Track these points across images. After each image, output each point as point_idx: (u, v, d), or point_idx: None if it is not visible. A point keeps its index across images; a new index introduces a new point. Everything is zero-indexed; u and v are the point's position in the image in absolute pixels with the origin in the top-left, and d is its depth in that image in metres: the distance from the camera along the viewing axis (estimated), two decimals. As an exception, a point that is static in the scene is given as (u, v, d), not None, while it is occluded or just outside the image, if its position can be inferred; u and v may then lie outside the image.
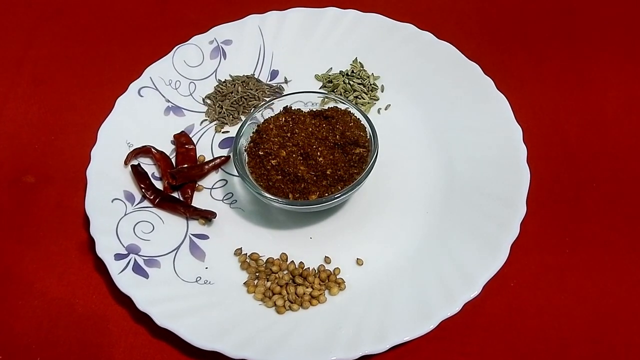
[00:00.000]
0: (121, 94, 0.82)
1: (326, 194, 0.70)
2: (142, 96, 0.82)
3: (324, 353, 0.63)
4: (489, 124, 0.77)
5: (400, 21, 0.87)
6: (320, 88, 0.86)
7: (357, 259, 0.71)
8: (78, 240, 0.75)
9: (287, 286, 0.69)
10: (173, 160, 0.79)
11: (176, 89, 0.84)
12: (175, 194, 0.77)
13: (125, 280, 0.67)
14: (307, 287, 0.69)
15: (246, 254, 0.72)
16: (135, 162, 0.78)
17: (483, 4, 0.95)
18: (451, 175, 0.76)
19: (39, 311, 0.70)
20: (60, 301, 0.70)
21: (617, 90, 0.85)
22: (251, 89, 0.85)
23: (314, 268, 0.71)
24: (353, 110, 0.75)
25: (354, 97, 0.84)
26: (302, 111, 0.76)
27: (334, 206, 0.73)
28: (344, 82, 0.84)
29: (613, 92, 0.85)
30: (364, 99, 0.83)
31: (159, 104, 0.83)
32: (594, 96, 0.84)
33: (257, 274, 0.71)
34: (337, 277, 0.70)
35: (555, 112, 0.83)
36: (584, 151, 0.79)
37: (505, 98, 0.78)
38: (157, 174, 0.79)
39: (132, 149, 0.78)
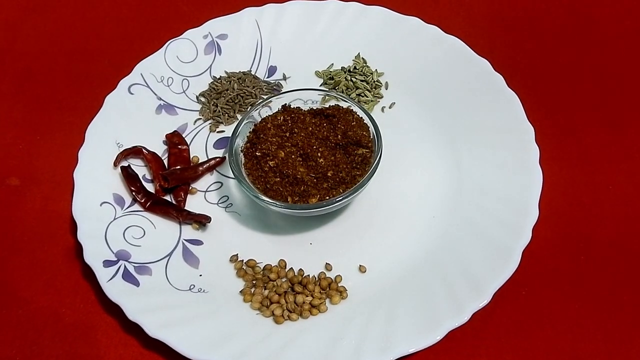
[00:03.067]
0: (110, 92, 0.82)
1: (327, 197, 0.70)
2: (132, 94, 0.83)
3: (324, 365, 0.63)
4: (499, 123, 0.77)
5: (406, 14, 0.87)
6: (320, 85, 0.86)
7: (360, 265, 0.72)
8: (65, 246, 0.75)
9: (286, 295, 0.69)
10: (165, 162, 0.80)
11: (168, 86, 0.85)
12: (168, 197, 0.77)
13: (114, 288, 0.68)
14: (307, 296, 0.69)
15: (242, 260, 0.73)
16: (125, 164, 0.78)
17: (493, -4, 0.95)
18: (459, 178, 0.76)
19: (24, 321, 0.70)
20: (45, 310, 0.71)
21: (636, 87, 0.85)
22: (248, 86, 0.85)
23: (314, 275, 0.71)
24: (355, 108, 0.75)
25: (357, 94, 0.84)
26: (301, 110, 0.76)
27: (336, 210, 0.74)
28: (346, 79, 0.85)
29: (632, 88, 0.85)
30: (367, 97, 0.84)
31: (150, 102, 0.83)
32: (611, 93, 0.85)
33: (254, 282, 0.71)
34: (339, 285, 0.70)
35: (569, 110, 0.83)
36: (599, 152, 0.79)
37: (516, 96, 0.78)
38: (148, 176, 0.79)
39: (121, 149, 0.79)
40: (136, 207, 0.75)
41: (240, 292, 0.70)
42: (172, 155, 0.80)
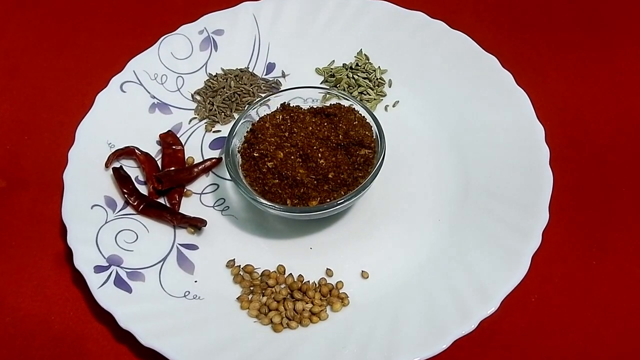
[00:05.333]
0: (101, 90, 0.82)
1: (328, 200, 0.71)
2: (124, 92, 0.83)
3: (325, 375, 0.63)
4: (507, 122, 0.78)
5: (410, 9, 0.87)
6: (321, 83, 0.87)
7: (362, 271, 0.72)
8: (54, 250, 0.75)
9: (285, 301, 0.69)
10: (159, 163, 0.80)
11: (162, 83, 0.85)
12: (161, 200, 0.77)
13: (106, 295, 0.68)
14: (307, 303, 0.69)
15: (239, 266, 0.73)
16: (117, 165, 0.78)
17: (501, -11, 0.96)
18: (466, 179, 0.76)
19: (11, 329, 0.70)
20: (34, 318, 0.71)
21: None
22: (245, 84, 0.85)
23: (314, 282, 0.72)
24: (357, 107, 0.75)
25: (359, 92, 0.84)
26: (301, 108, 0.76)
27: (337, 213, 0.74)
28: (348, 77, 0.85)
29: (645, 87, 0.85)
30: (370, 95, 0.84)
31: (144, 100, 0.84)
32: (624, 91, 0.85)
33: (251, 288, 0.71)
34: (340, 291, 0.70)
35: (580, 109, 0.83)
36: (612, 152, 0.80)
37: (525, 94, 0.79)
38: (141, 178, 0.79)
39: (113, 150, 0.79)
40: (128, 210, 0.76)
41: (237, 298, 0.70)
42: (166, 156, 0.80)
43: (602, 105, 0.84)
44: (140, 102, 0.83)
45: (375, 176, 0.71)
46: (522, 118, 0.77)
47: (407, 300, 0.68)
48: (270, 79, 0.87)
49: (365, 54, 0.87)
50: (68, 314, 0.71)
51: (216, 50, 0.88)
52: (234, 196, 0.78)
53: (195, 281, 0.71)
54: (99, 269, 0.70)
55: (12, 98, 0.88)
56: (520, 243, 0.69)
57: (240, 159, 0.75)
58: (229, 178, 0.76)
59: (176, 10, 0.95)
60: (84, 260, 0.70)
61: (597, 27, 0.91)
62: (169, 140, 0.81)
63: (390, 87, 0.85)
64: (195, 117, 0.84)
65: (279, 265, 0.72)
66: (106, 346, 0.69)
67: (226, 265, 0.73)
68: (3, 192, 0.80)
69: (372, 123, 0.74)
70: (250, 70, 0.87)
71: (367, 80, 0.85)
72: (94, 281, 0.69)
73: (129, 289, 0.69)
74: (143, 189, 0.78)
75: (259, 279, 0.72)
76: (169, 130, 0.82)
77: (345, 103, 0.76)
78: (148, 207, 0.75)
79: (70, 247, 0.71)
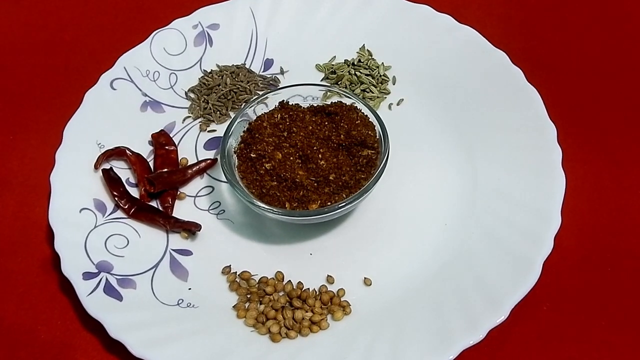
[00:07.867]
0: (91, 87, 0.82)
1: (329, 203, 0.71)
2: (115, 89, 0.83)
3: (326, 387, 0.63)
4: (517, 121, 0.78)
5: (415, 2, 0.87)
6: (321, 80, 0.87)
7: (365, 278, 0.72)
8: (40, 256, 0.75)
9: (284, 310, 0.69)
10: (151, 164, 0.80)
11: (154, 80, 0.85)
12: (154, 203, 0.78)
13: (95, 303, 0.68)
14: (307, 311, 0.69)
15: (236, 272, 0.73)
16: (107, 166, 0.79)
17: (511, -18, 0.96)
18: (474, 181, 0.76)
19: (-5, 339, 0.71)
20: (19, 327, 0.71)
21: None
22: (242, 81, 0.85)
23: (314, 289, 0.72)
24: (360, 105, 0.76)
25: (361, 90, 0.84)
26: (300, 107, 0.76)
27: (338, 217, 0.74)
28: (350, 73, 0.85)
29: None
30: (373, 93, 0.84)
31: (135, 98, 0.84)
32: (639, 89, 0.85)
33: (248, 296, 0.71)
34: (342, 299, 0.70)
35: (594, 107, 0.84)
36: (627, 153, 0.80)
37: (536, 91, 0.79)
38: (132, 180, 0.79)
39: (103, 150, 0.79)
40: (119, 213, 0.76)
41: (234, 307, 0.70)
42: (159, 156, 0.80)
43: (616, 103, 0.84)
44: (132, 100, 0.83)
45: (379, 178, 0.71)
46: (533, 117, 0.77)
47: (412, 309, 0.68)
48: (268, 76, 0.87)
49: (368, 50, 0.87)
50: (55, 323, 0.71)
51: (211, 46, 0.88)
52: (229, 199, 0.78)
53: (189, 288, 0.72)
54: (87, 275, 0.70)
55: (-3, 96, 0.88)
56: (531, 249, 0.69)
57: (236, 160, 0.75)
58: (225, 180, 0.76)
59: (169, 3, 0.95)
60: (72, 266, 0.70)
61: (612, 20, 0.91)
62: (162, 141, 0.81)
63: (394, 84, 0.86)
64: (189, 116, 0.84)
65: (278, 271, 0.72)
66: (95, 357, 0.69)
67: (222, 272, 0.73)
68: (-13, 194, 0.80)
69: (375, 122, 0.74)
70: (247, 66, 0.88)
71: (370, 77, 0.85)
72: (82, 288, 0.69)
73: (119, 297, 0.69)
74: (134, 192, 0.78)
75: (257, 286, 0.72)
76: (162, 130, 0.82)
77: (347, 101, 0.76)
78: (139, 211, 0.75)
79: (57, 252, 0.71)
